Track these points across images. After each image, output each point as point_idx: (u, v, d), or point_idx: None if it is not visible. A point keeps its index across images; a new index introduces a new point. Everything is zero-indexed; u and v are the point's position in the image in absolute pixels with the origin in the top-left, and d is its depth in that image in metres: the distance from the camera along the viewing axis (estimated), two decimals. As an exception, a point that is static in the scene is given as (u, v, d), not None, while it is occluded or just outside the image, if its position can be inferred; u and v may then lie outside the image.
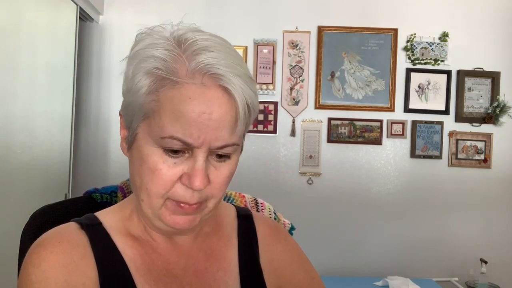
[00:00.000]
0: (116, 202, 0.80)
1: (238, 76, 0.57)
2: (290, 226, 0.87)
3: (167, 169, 0.58)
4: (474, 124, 2.72)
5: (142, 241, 0.66)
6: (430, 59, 2.69)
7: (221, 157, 0.60)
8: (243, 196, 0.85)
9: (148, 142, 0.58)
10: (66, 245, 0.60)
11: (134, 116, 0.60)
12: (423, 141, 2.70)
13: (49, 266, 0.57)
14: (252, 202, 0.84)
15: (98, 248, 0.62)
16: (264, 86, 2.67)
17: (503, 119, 2.70)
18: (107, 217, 0.67)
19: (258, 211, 0.87)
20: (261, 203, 0.85)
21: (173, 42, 0.58)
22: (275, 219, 0.88)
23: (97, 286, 0.60)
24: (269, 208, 0.85)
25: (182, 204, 0.60)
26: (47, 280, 0.56)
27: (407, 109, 2.70)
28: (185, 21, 0.62)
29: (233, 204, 0.81)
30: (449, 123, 2.72)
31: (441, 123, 2.70)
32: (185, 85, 0.56)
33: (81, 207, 0.79)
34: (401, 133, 2.70)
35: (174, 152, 0.58)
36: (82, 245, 0.62)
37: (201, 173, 0.57)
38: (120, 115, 0.64)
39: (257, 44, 2.67)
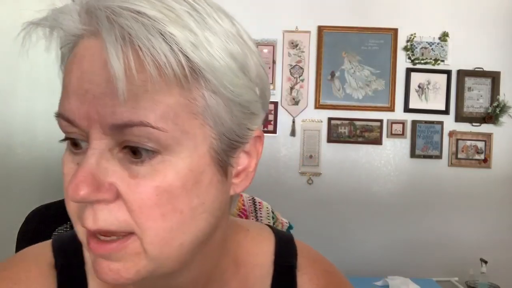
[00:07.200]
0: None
1: (136, 12, 0.35)
2: (288, 225, 0.87)
3: (68, 172, 0.40)
4: (474, 124, 2.72)
5: None
6: (430, 59, 2.69)
7: (137, 153, 0.36)
8: (241, 196, 0.85)
9: None
10: None
11: None
12: (423, 141, 2.70)
13: None
14: (249, 201, 0.84)
15: None
16: (264, 86, 2.66)
17: (503, 119, 2.70)
18: None
19: (256, 210, 0.85)
20: (259, 202, 0.85)
21: None
22: (273, 218, 0.87)
23: None
24: (267, 207, 0.85)
25: (92, 243, 0.38)
26: None
27: (407, 109, 2.70)
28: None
29: (274, 233, 0.58)
30: (449, 123, 2.72)
31: (441, 123, 2.70)
32: (77, 40, 0.39)
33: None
34: (401, 133, 2.70)
35: (74, 145, 0.40)
36: None
37: (81, 172, 0.36)
38: None
39: (257, 44, 2.66)
